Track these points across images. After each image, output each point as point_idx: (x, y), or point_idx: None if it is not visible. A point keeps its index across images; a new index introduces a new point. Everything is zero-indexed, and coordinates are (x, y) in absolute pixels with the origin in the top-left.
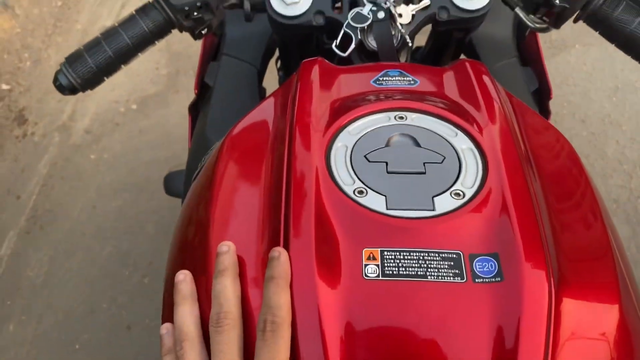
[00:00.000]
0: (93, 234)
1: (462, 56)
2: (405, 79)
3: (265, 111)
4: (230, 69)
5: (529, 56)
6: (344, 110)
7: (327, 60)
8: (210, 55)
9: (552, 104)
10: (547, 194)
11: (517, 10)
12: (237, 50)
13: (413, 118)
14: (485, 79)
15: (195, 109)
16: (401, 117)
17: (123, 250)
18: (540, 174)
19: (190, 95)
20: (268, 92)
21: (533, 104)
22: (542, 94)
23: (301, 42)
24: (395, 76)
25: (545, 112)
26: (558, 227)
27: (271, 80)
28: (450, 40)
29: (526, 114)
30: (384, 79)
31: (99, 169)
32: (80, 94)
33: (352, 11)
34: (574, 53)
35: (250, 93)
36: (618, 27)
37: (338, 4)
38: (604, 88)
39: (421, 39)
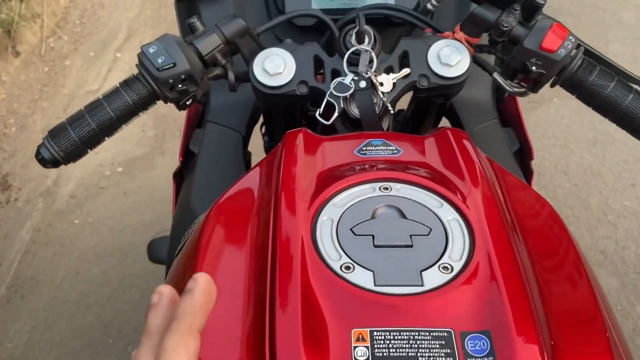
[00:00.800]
0: (75, 301)
1: (444, 119)
2: (389, 148)
3: (250, 182)
4: (215, 136)
5: (509, 117)
6: (328, 181)
7: (310, 130)
8: (195, 123)
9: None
10: (532, 258)
11: (495, 75)
12: (222, 118)
13: (398, 189)
14: (467, 146)
15: (180, 176)
16: (386, 188)
17: (106, 317)
18: (525, 238)
19: (176, 157)
20: (253, 155)
21: (515, 164)
22: (523, 154)
23: (285, 110)
24: (378, 145)
25: (527, 172)
26: (546, 291)
27: (255, 147)
28: (431, 105)
29: (507, 178)
30: (368, 148)
31: (82, 233)
32: None
33: (334, 81)
34: (552, 107)
35: (236, 160)
36: (594, 91)
37: (320, 71)
38: (583, 140)
39: (404, 99)
